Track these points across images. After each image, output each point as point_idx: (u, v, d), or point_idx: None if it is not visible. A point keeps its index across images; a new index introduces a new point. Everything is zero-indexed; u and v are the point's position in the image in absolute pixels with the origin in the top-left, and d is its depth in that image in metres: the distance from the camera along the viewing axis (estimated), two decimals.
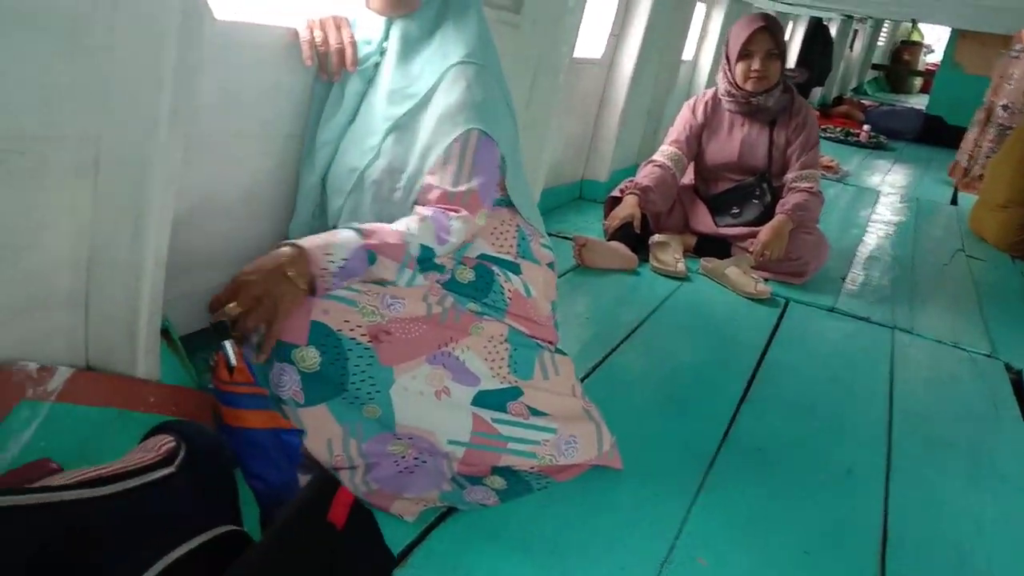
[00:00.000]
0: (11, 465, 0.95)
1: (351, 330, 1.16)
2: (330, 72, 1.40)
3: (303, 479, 0.98)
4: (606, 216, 2.74)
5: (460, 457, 1.27)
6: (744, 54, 2.61)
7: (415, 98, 1.31)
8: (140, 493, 0.72)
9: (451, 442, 1.25)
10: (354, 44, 1.39)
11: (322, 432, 1.14)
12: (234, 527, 0.75)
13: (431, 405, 1.22)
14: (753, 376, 1.92)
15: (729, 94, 2.70)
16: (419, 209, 1.29)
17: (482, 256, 1.38)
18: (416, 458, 1.25)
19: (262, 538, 0.64)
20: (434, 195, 1.29)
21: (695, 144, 2.79)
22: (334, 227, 1.36)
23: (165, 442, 0.79)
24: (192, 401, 1.19)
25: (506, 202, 1.43)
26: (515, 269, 1.40)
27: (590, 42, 3.05)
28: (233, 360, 0.82)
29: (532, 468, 1.32)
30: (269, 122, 1.43)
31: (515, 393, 1.30)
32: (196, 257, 1.37)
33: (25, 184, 0.98)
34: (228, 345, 0.82)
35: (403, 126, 1.33)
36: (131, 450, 0.83)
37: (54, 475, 0.75)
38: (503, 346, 1.32)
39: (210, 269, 1.39)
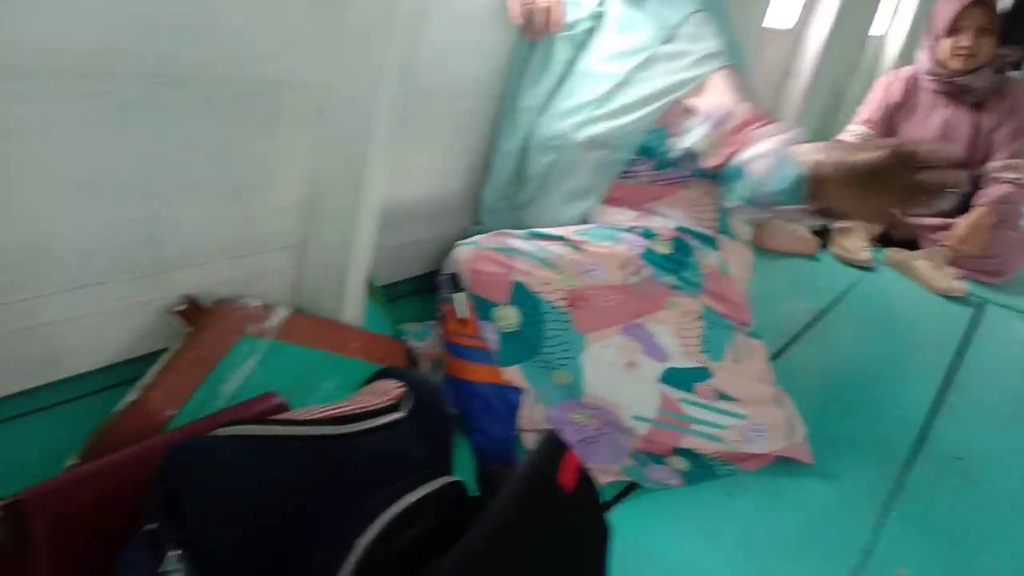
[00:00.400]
0: (233, 397, 1.01)
1: (550, 293, 1.14)
2: (535, 31, 1.38)
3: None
4: None
5: (643, 434, 1.23)
6: (952, 29, 2.37)
7: (644, 52, 1.27)
8: (377, 434, 0.73)
9: (636, 417, 1.21)
10: (561, 4, 1.36)
11: None
12: (455, 479, 0.75)
13: (620, 377, 1.19)
14: (948, 380, 1.76)
15: (932, 73, 2.47)
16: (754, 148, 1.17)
17: (680, 228, 1.32)
18: (597, 429, 1.22)
19: (499, 495, 0.63)
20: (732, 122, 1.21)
21: (888, 125, 2.58)
22: (534, 193, 1.35)
23: (395, 387, 0.80)
24: (390, 349, 1.22)
25: (710, 172, 1.37)
26: (713, 244, 1.33)
27: (782, 10, 2.88)
28: (462, 312, 0.82)
29: (715, 453, 1.27)
30: (472, 81, 1.43)
31: (704, 374, 1.25)
32: (396, 211, 1.40)
33: (263, 128, 1.02)
34: (458, 296, 0.82)
35: (630, 81, 1.29)
36: (358, 391, 0.84)
37: (293, 411, 0.78)
38: (696, 324, 1.26)
39: (409, 223, 1.41)
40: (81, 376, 0.93)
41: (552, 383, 1.18)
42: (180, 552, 0.62)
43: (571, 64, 1.37)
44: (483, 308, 1.10)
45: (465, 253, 1.18)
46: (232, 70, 0.94)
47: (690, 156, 1.29)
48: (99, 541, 0.69)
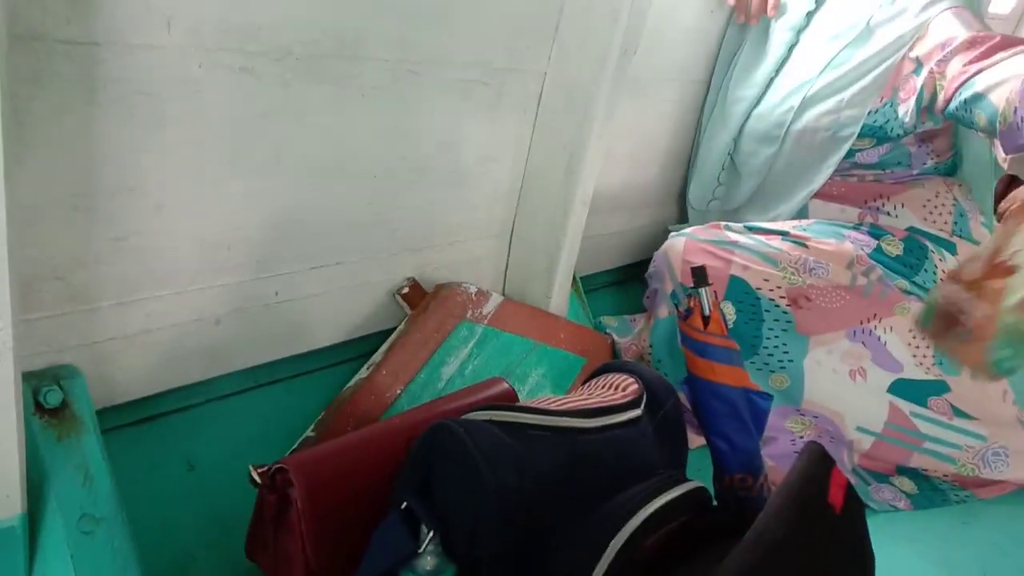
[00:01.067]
0: (450, 380, 1.02)
1: (770, 290, 1.07)
2: (748, 15, 1.30)
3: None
4: (998, 200, 2.33)
5: (865, 449, 1.14)
6: None
7: (864, 20, 1.17)
8: (619, 431, 0.71)
9: (860, 429, 1.12)
10: None
11: None
12: (701, 484, 0.71)
13: (845, 385, 1.10)
14: None
15: None
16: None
17: (911, 229, 1.20)
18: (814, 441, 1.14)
19: (770, 511, 0.58)
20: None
21: None
22: (749, 194, 1.28)
23: (629, 383, 0.77)
24: (595, 342, 1.20)
25: (944, 168, 1.24)
26: (950, 248, 1.20)
27: None
28: (708, 309, 0.78)
29: (946, 476, 1.15)
30: (679, 66, 1.37)
31: (940, 388, 1.13)
32: (596, 200, 1.37)
33: (485, 115, 1.02)
34: (704, 292, 0.78)
35: (851, 54, 1.18)
36: (589, 383, 0.82)
37: (530, 400, 0.76)
38: None
39: (608, 214, 1.38)
40: (317, 352, 0.97)
41: (768, 387, 1.11)
42: (433, 533, 0.62)
43: (791, 50, 1.29)
44: None
45: (679, 244, 1.14)
46: (463, 56, 0.94)
47: (921, 125, 1.15)
48: (347, 511, 0.72)
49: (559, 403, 0.72)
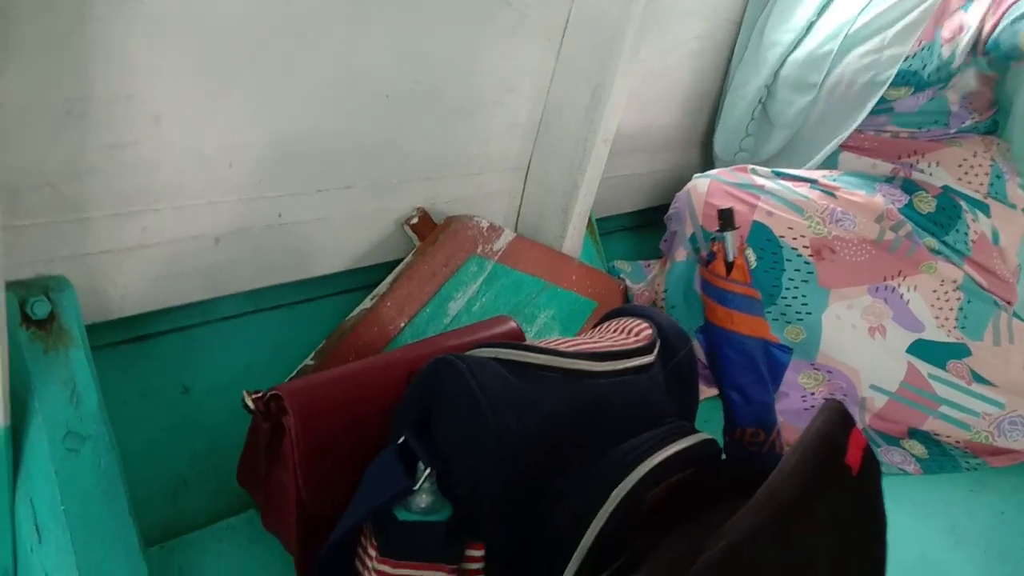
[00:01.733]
0: (457, 316, 0.99)
1: (794, 239, 1.03)
2: None
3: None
4: None
5: (878, 408, 1.11)
6: None
7: None
8: (629, 376, 0.68)
9: (874, 387, 1.09)
10: None
11: None
12: (710, 436, 0.69)
13: (863, 341, 1.07)
14: None
15: None
16: None
17: (946, 188, 1.15)
18: (826, 398, 1.11)
19: (784, 468, 0.55)
20: None
21: None
22: (780, 145, 1.21)
23: (643, 327, 0.74)
24: (607, 286, 1.16)
25: (983, 127, 1.17)
26: (985, 209, 1.15)
27: None
28: (733, 254, 0.74)
29: (959, 442, 1.12)
30: (715, 5, 1.30)
31: (961, 351, 1.10)
32: (618, 141, 1.32)
33: (505, 41, 0.97)
34: (729, 236, 0.74)
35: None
36: (600, 326, 0.79)
37: (539, 340, 0.73)
38: (955, 294, 1.10)
39: (631, 155, 1.33)
40: (321, 279, 0.93)
41: (783, 339, 1.07)
42: (430, 471, 0.60)
43: None
44: None
45: (702, 185, 1.09)
46: None
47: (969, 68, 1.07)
48: (343, 443, 0.69)
49: (569, 344, 0.69)
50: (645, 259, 1.33)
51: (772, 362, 0.73)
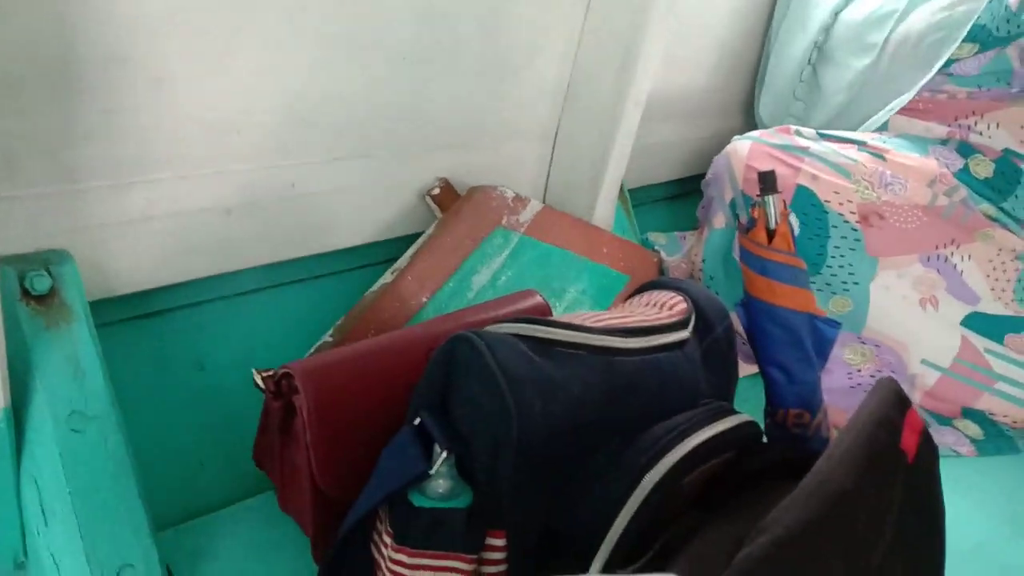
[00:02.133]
0: (482, 290, 0.94)
1: (840, 204, 0.96)
2: None
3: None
4: None
5: (929, 386, 1.04)
6: None
7: None
8: (663, 353, 0.63)
9: (925, 362, 1.02)
10: None
11: None
12: (751, 418, 0.64)
13: (914, 313, 1.00)
14: None
15: None
16: None
17: (1007, 151, 1.06)
18: (873, 375, 1.05)
19: (828, 455, 0.50)
20: None
21: None
22: (835, 112, 1.13)
23: (677, 301, 0.68)
24: (641, 259, 1.10)
25: None
26: None
27: None
28: (775, 220, 0.68)
29: (1016, 423, 1.05)
30: None
31: (1020, 324, 1.02)
32: (653, 106, 1.26)
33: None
34: (771, 201, 0.68)
35: None
36: (632, 300, 0.74)
37: (569, 315, 0.69)
38: (1013, 264, 1.03)
39: (666, 121, 1.26)
40: (339, 252, 0.90)
41: (828, 310, 1.01)
42: (447, 454, 0.56)
43: None
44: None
45: (743, 148, 1.03)
46: None
47: None
48: (359, 424, 0.66)
49: (597, 319, 0.64)
50: (682, 231, 1.27)
51: (818, 338, 0.68)
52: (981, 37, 1.03)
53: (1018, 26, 1.01)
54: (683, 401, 0.63)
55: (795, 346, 0.68)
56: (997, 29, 1.01)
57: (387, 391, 0.68)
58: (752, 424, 0.63)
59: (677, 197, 1.41)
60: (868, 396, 0.55)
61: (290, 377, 0.65)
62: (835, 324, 0.68)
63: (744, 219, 0.71)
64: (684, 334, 0.66)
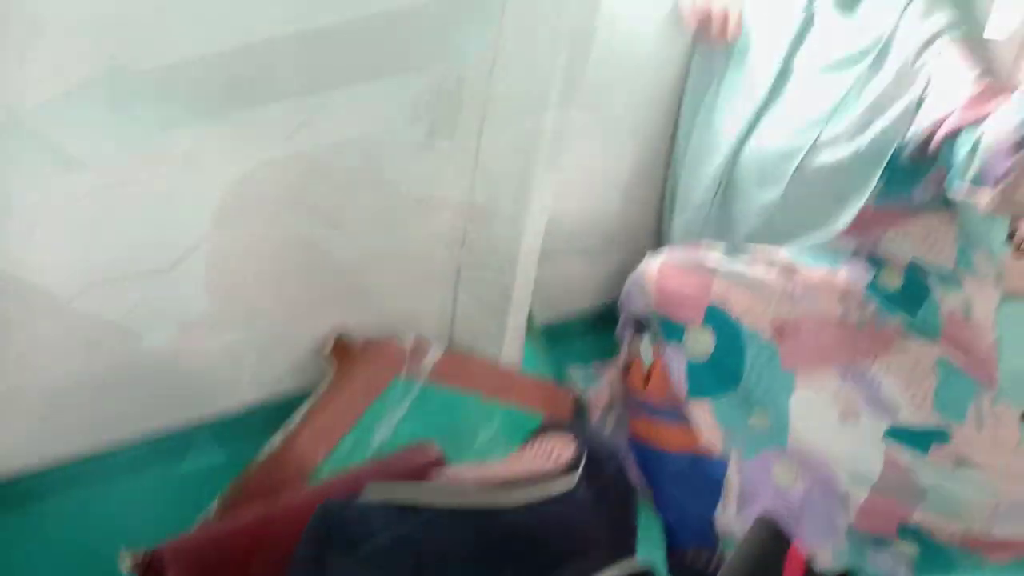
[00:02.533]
0: (384, 444, 0.91)
1: (751, 321, 0.97)
2: (711, 39, 1.21)
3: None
4: None
5: (861, 503, 1.01)
6: None
7: (873, 49, 1.06)
8: (550, 505, 0.60)
9: (853, 479, 1.00)
10: (738, 11, 1.18)
11: (701, 432, 0.95)
12: (646, 565, 0.60)
13: (835, 428, 0.99)
14: None
15: None
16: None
17: (913, 261, 1.08)
18: (804, 496, 1.02)
19: None
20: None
21: None
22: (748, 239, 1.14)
23: (565, 446, 0.66)
24: (554, 397, 1.08)
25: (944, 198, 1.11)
26: (955, 283, 1.08)
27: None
28: (649, 359, 0.66)
29: (953, 536, 1.02)
30: (643, 97, 1.28)
31: (941, 436, 1.01)
32: (558, 242, 1.27)
33: (419, 153, 0.93)
34: (645, 339, 0.67)
35: (864, 86, 1.07)
36: (525, 446, 0.71)
37: (454, 467, 0.66)
38: (929, 377, 1.03)
39: (573, 256, 1.28)
40: (227, 416, 0.86)
41: (747, 426, 0.99)
42: None
43: (784, 76, 1.15)
44: (671, 331, 0.94)
45: (654, 267, 1.03)
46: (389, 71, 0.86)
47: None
48: None
49: (483, 473, 0.61)
50: (604, 359, 1.25)
51: (705, 477, 0.65)
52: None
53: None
54: (573, 551, 0.59)
55: (683, 486, 0.65)
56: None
57: (264, 568, 0.64)
58: (647, 573, 0.59)
59: (597, 327, 1.40)
60: (743, 540, 0.53)
61: (160, 558, 0.61)
62: (720, 464, 0.65)
63: (623, 359, 0.70)
64: (570, 482, 0.63)
